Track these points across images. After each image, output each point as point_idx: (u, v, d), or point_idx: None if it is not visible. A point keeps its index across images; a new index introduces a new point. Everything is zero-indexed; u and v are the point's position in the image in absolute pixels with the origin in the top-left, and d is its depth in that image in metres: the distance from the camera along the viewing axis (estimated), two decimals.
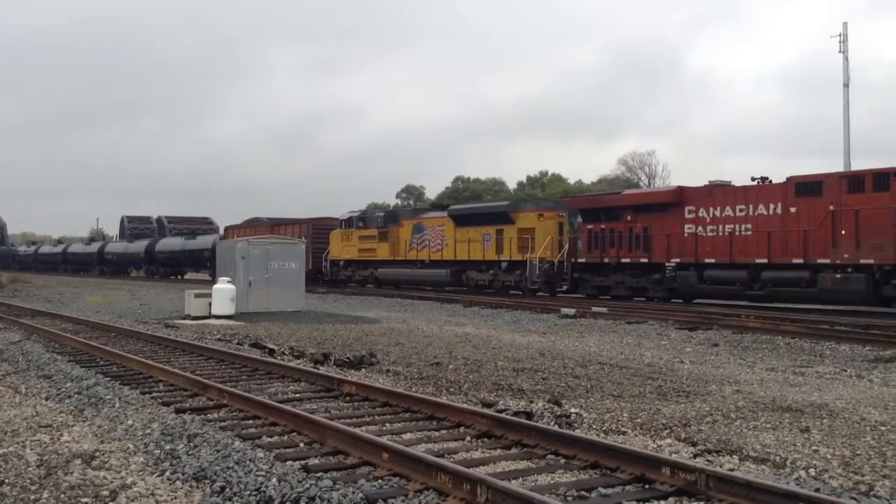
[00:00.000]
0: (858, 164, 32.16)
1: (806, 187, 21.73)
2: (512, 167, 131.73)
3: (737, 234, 23.16)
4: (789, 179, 22.36)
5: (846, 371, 11.30)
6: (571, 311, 21.10)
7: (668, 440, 7.04)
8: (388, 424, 7.56)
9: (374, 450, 6.03)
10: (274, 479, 5.52)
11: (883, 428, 7.18)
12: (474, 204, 38.93)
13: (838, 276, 20.57)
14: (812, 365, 11.99)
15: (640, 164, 70.05)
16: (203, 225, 62.37)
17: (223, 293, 20.23)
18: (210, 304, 20.23)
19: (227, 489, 5.44)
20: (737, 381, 10.05)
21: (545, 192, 59.70)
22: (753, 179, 23.33)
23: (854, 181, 20.86)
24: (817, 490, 5.34)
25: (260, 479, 5.56)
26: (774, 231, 22.12)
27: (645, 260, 25.74)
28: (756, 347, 14.24)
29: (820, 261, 21.05)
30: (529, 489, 5.13)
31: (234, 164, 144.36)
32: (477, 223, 31.17)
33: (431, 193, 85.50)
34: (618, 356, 12.66)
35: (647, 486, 5.42)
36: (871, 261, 19.98)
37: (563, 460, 6.11)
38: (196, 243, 49.17)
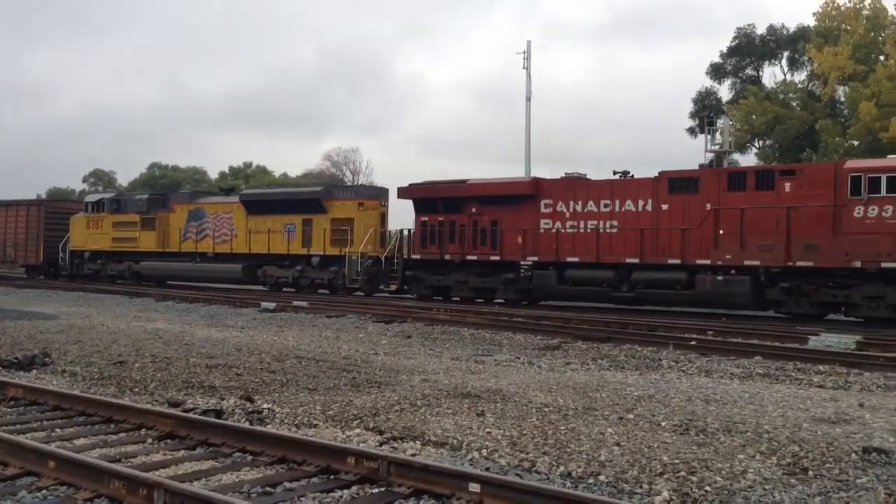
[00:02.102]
0: (536, 171, 35.42)
1: (680, 183, 20.59)
2: (216, 158, 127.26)
3: (603, 231, 21.52)
4: (661, 174, 21.08)
5: (520, 359, 12.41)
6: (272, 305, 20.87)
7: (358, 430, 7.21)
8: (58, 430, 6.91)
9: (39, 458, 5.47)
10: None
11: (546, 409, 7.98)
12: (274, 189, 33.72)
13: (720, 278, 19.60)
14: (492, 353, 13.01)
15: (345, 161, 71.33)
16: None
17: None
18: None
19: None
20: (425, 371, 10.59)
21: (248, 183, 58.36)
22: (615, 173, 22.10)
23: (735, 178, 19.95)
24: (487, 469, 5.79)
25: None
26: (647, 229, 20.75)
27: (496, 258, 23.36)
28: (445, 338, 15.14)
29: (699, 262, 19.91)
30: (211, 489, 4.98)
31: None
32: (278, 211, 27.83)
33: (124, 179, 79.95)
34: (316, 350, 12.74)
35: (332, 477, 5.51)
36: (758, 262, 19.12)
37: (250, 457, 6.00)
38: None
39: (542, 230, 22.63)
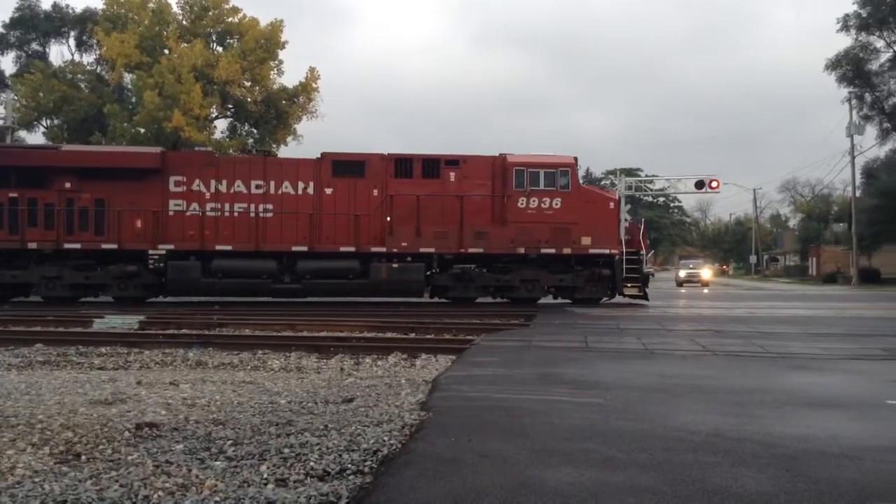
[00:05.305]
0: None
1: (346, 167, 19.65)
2: None
3: (260, 216, 19.36)
4: (324, 156, 19.65)
5: None
6: None
7: None
8: None
9: None
10: None
11: None
12: None
13: (395, 265, 19.49)
14: None
15: None
16: None
17: None
18: None
19: None
20: None
21: None
22: (257, 152, 18.10)
23: (401, 165, 19.65)
24: None
25: None
26: (314, 214, 19.41)
27: (111, 246, 19.05)
28: None
29: (374, 249, 19.52)
30: None
31: None
32: None
33: None
34: None
35: None
36: (433, 249, 19.55)
37: None
38: None
39: (172, 212, 19.45)
